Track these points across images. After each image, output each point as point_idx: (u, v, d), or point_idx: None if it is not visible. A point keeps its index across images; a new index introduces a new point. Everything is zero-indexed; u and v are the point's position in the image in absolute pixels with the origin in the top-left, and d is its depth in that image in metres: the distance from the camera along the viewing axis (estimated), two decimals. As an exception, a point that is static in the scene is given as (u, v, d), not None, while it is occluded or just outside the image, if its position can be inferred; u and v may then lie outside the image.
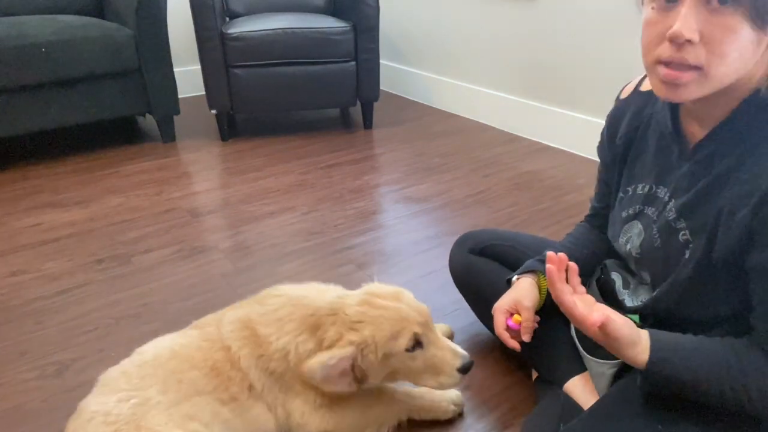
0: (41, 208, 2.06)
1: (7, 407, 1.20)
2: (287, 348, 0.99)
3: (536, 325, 1.06)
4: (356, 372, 0.98)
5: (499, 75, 2.78)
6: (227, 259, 1.73)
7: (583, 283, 1.10)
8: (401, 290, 1.03)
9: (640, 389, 0.86)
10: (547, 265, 0.83)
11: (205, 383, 0.97)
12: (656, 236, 0.89)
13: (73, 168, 2.41)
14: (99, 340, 1.39)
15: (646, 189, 0.93)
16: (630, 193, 0.97)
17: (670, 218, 0.86)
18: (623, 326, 0.78)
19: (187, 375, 0.97)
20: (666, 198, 0.88)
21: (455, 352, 1.02)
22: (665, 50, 0.72)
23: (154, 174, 2.35)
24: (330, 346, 0.97)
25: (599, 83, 2.32)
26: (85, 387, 1.23)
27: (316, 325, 1.00)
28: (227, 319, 1.06)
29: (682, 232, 0.84)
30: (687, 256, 0.83)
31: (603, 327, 0.77)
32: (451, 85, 3.07)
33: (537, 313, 1.08)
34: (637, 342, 0.80)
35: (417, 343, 0.98)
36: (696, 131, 0.84)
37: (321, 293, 1.06)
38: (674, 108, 0.87)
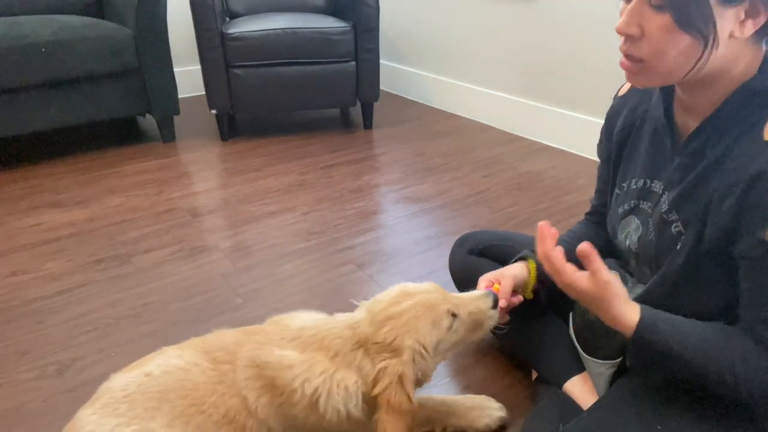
0: (41, 208, 2.06)
1: (7, 407, 1.20)
2: (319, 392, 0.92)
3: (516, 302, 1.07)
4: (416, 382, 0.96)
5: (499, 75, 2.78)
6: (227, 259, 1.73)
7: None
8: (402, 285, 1.00)
9: (628, 361, 0.85)
10: (539, 224, 0.85)
11: (214, 430, 0.93)
12: (651, 230, 0.90)
13: (73, 168, 2.41)
14: (99, 340, 1.39)
15: (640, 183, 0.94)
16: (625, 188, 0.98)
17: (663, 211, 0.87)
18: (614, 277, 0.80)
19: (196, 419, 0.93)
20: (660, 191, 0.89)
21: (480, 297, 1.02)
22: (622, 43, 0.78)
23: (154, 174, 2.35)
24: (379, 379, 0.92)
25: (599, 83, 2.32)
26: (85, 387, 1.24)
27: (347, 363, 0.95)
28: (243, 361, 0.97)
29: (674, 224, 0.85)
30: (678, 247, 0.84)
31: (587, 258, 0.78)
32: (451, 85, 3.07)
33: (530, 303, 1.10)
34: (628, 301, 0.81)
35: (453, 316, 0.97)
36: (688, 124, 0.85)
37: (327, 324, 1.01)
38: (668, 101, 0.88)
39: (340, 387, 0.93)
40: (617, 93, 1.04)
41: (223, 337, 1.04)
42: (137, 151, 2.59)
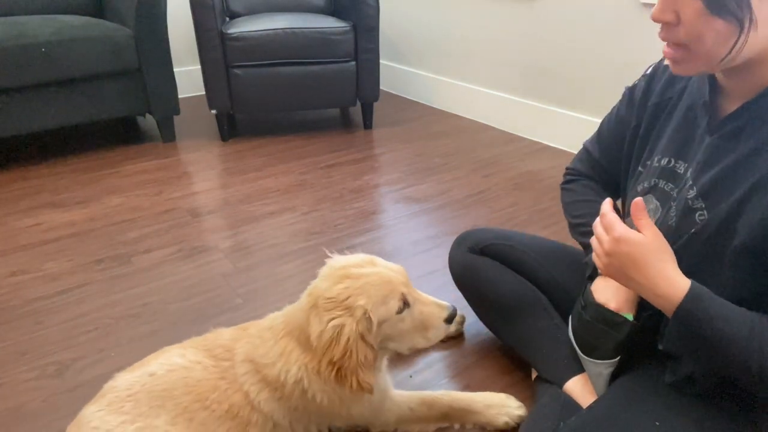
0: (41, 208, 2.06)
1: (7, 407, 1.20)
2: (300, 379, 0.95)
3: None
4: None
5: (499, 75, 2.78)
6: (227, 259, 1.73)
7: (578, 284, 1.10)
8: (371, 256, 1.00)
9: (665, 338, 0.79)
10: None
11: (217, 425, 0.94)
12: (673, 215, 0.86)
13: (73, 168, 2.41)
14: (99, 340, 1.39)
15: (664, 162, 0.90)
16: (649, 166, 0.94)
17: (690, 197, 0.83)
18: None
19: (199, 415, 0.94)
20: (686, 174, 0.85)
21: (440, 305, 1.01)
22: (660, 30, 0.76)
23: (154, 174, 2.35)
24: (334, 339, 0.90)
25: (599, 83, 2.32)
26: (85, 387, 1.24)
27: (307, 340, 0.94)
28: (240, 356, 1.00)
29: (699, 213, 0.81)
30: (694, 230, 0.80)
31: (640, 212, 0.78)
32: (451, 85, 3.07)
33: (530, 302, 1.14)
34: (667, 272, 0.77)
35: (405, 304, 0.96)
36: (726, 106, 0.82)
37: (295, 305, 1.02)
38: (713, 80, 0.84)
39: (314, 372, 0.93)
40: (662, 60, 0.98)
41: (221, 334, 1.06)
42: (137, 151, 2.59)
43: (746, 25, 0.69)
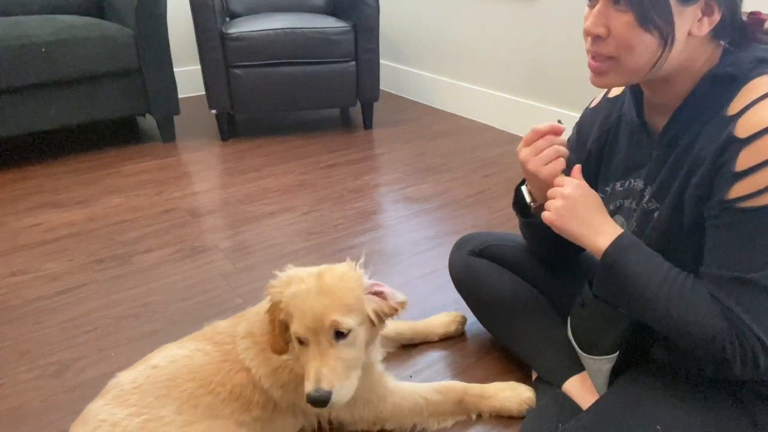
0: (41, 208, 2.06)
1: (7, 407, 1.20)
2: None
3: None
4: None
5: (499, 75, 2.78)
6: (227, 259, 1.73)
7: (577, 281, 1.10)
8: (325, 270, 0.97)
9: (594, 282, 0.88)
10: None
11: (221, 408, 0.96)
12: (634, 222, 0.93)
13: (73, 168, 2.41)
14: (99, 340, 1.39)
15: (626, 184, 0.97)
16: (609, 191, 1.01)
17: (644, 201, 0.90)
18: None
19: (204, 400, 0.96)
20: (642, 187, 0.92)
21: (316, 378, 0.87)
22: (588, 43, 0.83)
23: (154, 174, 2.35)
24: (270, 307, 0.97)
25: (599, 83, 2.32)
26: (85, 387, 1.24)
27: None
28: (241, 334, 1.03)
29: (656, 212, 0.88)
30: (652, 225, 0.87)
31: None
32: (451, 85, 3.07)
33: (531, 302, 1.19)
34: (610, 222, 0.87)
35: (301, 341, 0.91)
36: (659, 121, 0.88)
37: None
38: (638, 103, 0.92)
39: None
40: (589, 105, 1.10)
41: (218, 325, 1.09)
42: (137, 151, 2.59)
43: (669, 40, 0.76)
